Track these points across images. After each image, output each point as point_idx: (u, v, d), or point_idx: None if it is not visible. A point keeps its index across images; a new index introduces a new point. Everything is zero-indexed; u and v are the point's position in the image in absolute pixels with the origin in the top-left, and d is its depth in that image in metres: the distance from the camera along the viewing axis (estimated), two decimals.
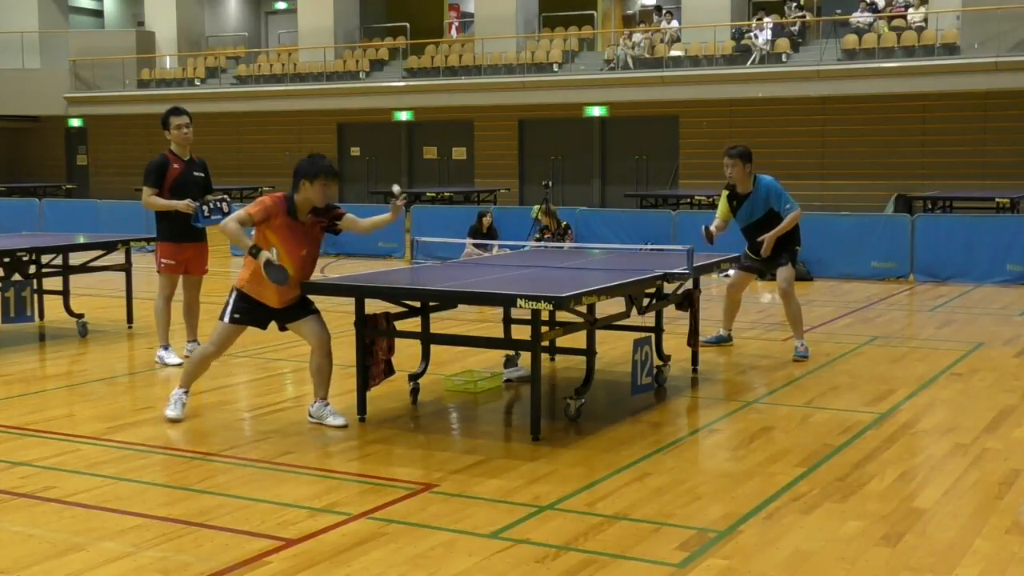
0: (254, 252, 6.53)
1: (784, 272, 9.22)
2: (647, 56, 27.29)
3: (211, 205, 8.79)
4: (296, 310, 6.85)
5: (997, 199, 18.54)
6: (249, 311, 6.80)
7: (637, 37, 27.93)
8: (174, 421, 6.97)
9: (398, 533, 4.99)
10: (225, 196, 8.96)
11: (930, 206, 20.15)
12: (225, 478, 5.96)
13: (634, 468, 6.02)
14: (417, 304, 7.25)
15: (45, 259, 10.44)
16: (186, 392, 7.11)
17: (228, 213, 8.94)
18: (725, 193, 9.34)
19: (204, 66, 33.14)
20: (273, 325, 6.98)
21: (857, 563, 4.67)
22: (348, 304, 7.03)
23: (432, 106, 29.12)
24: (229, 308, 6.81)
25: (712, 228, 9.25)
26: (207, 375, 8.58)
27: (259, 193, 29.06)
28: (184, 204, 8.70)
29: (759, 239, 9.17)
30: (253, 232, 6.69)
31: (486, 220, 16.51)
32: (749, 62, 25.74)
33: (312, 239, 6.80)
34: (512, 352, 8.23)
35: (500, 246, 13.83)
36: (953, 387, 8.17)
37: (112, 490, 5.65)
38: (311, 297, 6.93)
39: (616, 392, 7.89)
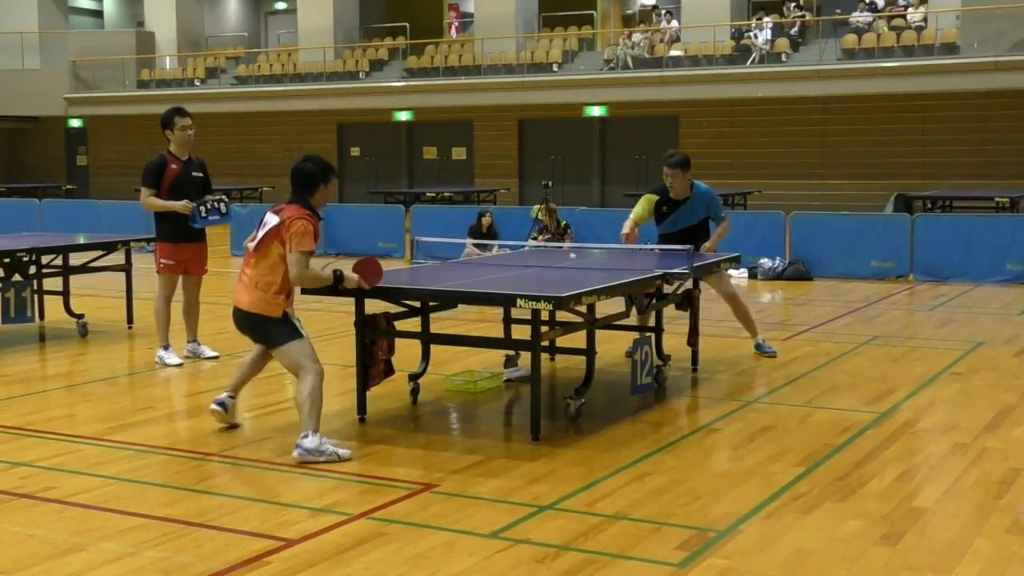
0: (338, 277, 6.43)
1: (726, 276, 9.22)
2: (647, 56, 27.29)
3: (208, 205, 8.80)
4: None
5: (997, 198, 18.54)
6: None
7: (637, 37, 27.94)
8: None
9: (398, 533, 5.00)
10: (223, 197, 8.97)
11: (930, 205, 20.16)
12: (225, 478, 5.96)
13: (634, 468, 6.02)
14: (417, 304, 7.25)
15: (45, 259, 10.44)
16: (232, 397, 6.82)
17: (226, 214, 8.94)
18: (653, 198, 9.18)
19: (204, 66, 33.15)
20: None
21: (857, 563, 4.67)
22: (348, 304, 7.03)
23: (432, 106, 29.12)
24: (294, 327, 6.33)
25: (622, 235, 9.13)
26: (208, 375, 8.59)
27: (258, 194, 29.05)
28: (182, 205, 8.71)
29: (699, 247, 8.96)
30: (295, 253, 6.21)
31: (485, 220, 16.49)
32: (749, 62, 25.74)
33: None
34: (512, 352, 8.23)
35: (500, 246, 13.79)
36: (953, 386, 8.17)
37: (112, 490, 5.66)
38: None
39: (616, 392, 7.88)
